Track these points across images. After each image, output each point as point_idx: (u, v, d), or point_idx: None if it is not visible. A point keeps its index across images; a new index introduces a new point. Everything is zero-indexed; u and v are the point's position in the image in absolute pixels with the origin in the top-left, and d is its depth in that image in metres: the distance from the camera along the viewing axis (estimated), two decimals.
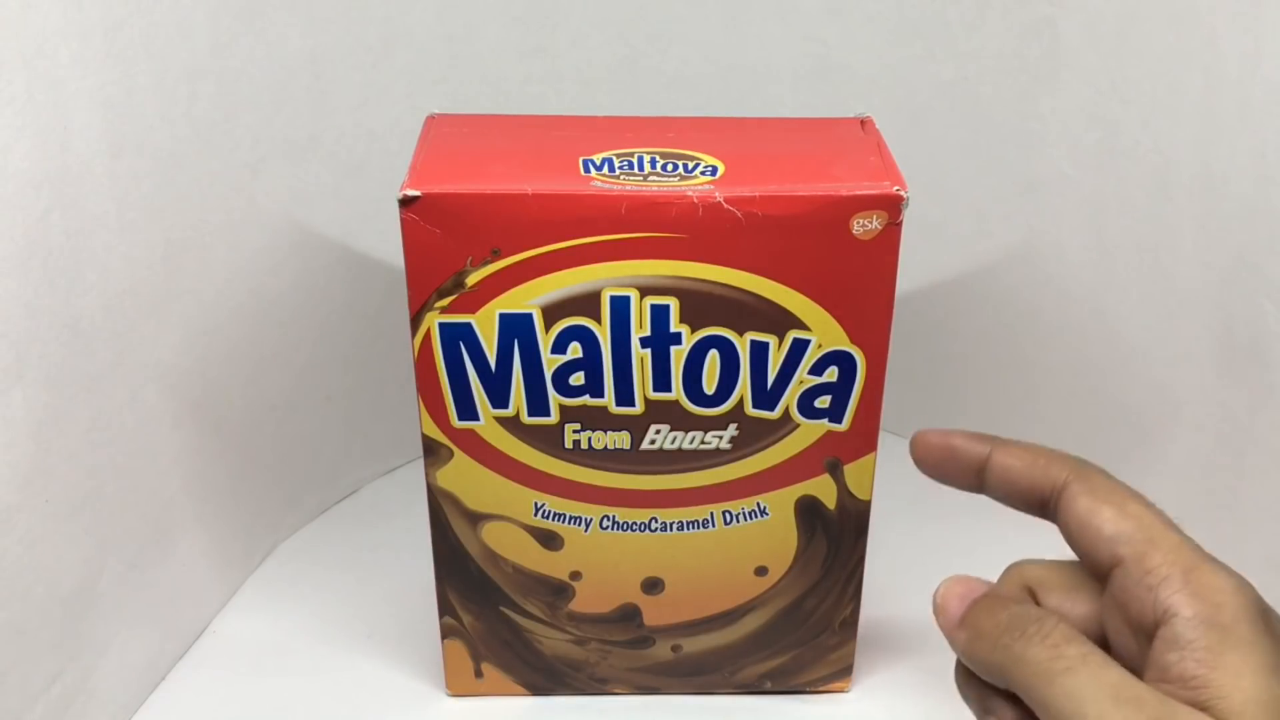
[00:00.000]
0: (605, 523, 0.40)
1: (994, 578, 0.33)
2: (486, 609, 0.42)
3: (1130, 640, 0.29)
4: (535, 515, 0.40)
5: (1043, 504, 0.32)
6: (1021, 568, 0.33)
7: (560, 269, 0.36)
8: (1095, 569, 0.31)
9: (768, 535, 0.41)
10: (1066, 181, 0.49)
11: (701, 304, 0.36)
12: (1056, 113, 0.49)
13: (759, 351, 0.37)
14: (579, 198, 0.35)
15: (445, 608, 0.43)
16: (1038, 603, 0.32)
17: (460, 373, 0.37)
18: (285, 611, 0.49)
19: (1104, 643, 0.30)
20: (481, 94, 0.51)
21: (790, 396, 0.38)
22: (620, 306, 0.36)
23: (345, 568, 0.51)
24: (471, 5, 0.51)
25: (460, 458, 0.39)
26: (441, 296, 0.36)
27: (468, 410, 0.38)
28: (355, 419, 0.54)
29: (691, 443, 0.39)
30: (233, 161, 0.44)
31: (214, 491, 0.47)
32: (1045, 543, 0.56)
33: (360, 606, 0.49)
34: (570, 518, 0.40)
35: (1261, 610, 0.28)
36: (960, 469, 0.34)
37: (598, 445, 0.39)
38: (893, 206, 0.35)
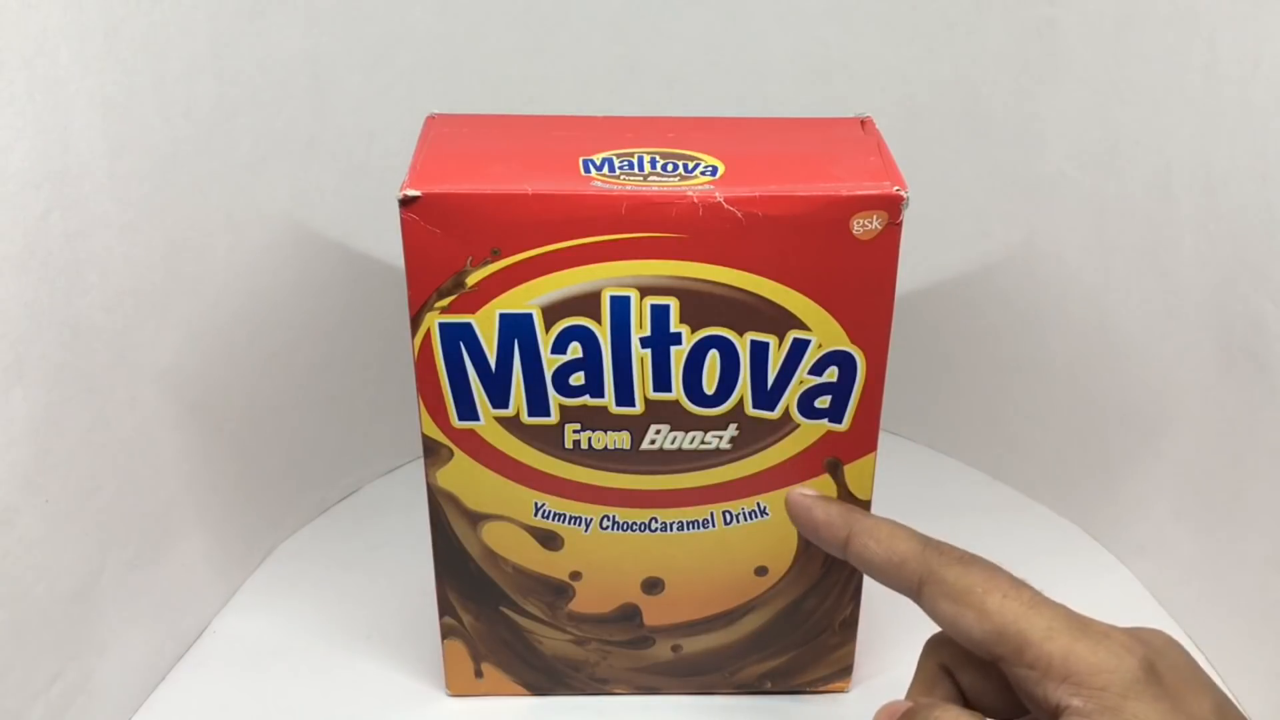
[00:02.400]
0: (605, 523, 0.40)
1: None
2: (486, 609, 0.42)
3: (1044, 718, 0.30)
4: (535, 515, 0.40)
5: (906, 594, 0.33)
6: (936, 647, 0.34)
7: (560, 269, 0.36)
8: (985, 659, 0.31)
9: (768, 535, 0.41)
10: (1066, 181, 0.49)
11: (701, 304, 0.36)
12: (1056, 113, 0.49)
13: (759, 351, 0.37)
14: (579, 198, 0.35)
15: (445, 608, 0.43)
16: (955, 681, 0.33)
17: (460, 373, 0.37)
18: (285, 611, 0.49)
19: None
20: (481, 94, 0.51)
21: (790, 396, 0.38)
22: (620, 306, 0.36)
23: (345, 568, 0.51)
24: (471, 5, 0.51)
25: (460, 458, 0.39)
26: (441, 296, 0.36)
27: (468, 410, 0.38)
28: (355, 419, 0.54)
29: (691, 443, 0.39)
30: (233, 161, 0.44)
31: (214, 491, 0.47)
32: (1047, 542, 0.57)
33: (360, 606, 0.49)
34: (570, 518, 0.40)
35: (1150, 675, 0.28)
36: (824, 544, 0.36)
37: (598, 445, 0.39)
38: (893, 206, 0.35)
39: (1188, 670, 0.29)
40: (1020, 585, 0.31)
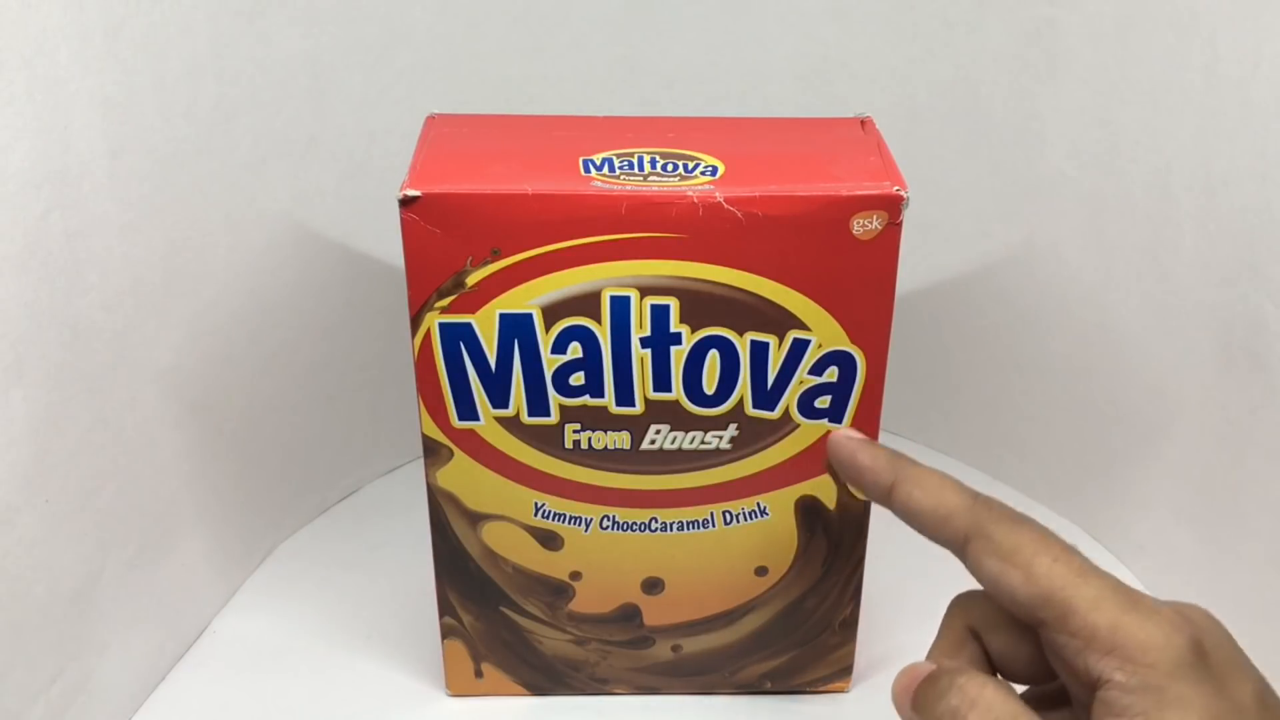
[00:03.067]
0: (605, 523, 0.40)
1: None
2: (486, 609, 0.42)
3: (1077, 687, 0.29)
4: (535, 515, 0.40)
5: (950, 549, 0.32)
6: (964, 607, 0.32)
7: (560, 269, 0.36)
8: (1024, 623, 0.30)
9: (768, 535, 0.41)
10: (1066, 181, 0.49)
11: (701, 304, 0.36)
12: (1056, 113, 0.49)
13: (759, 351, 0.37)
14: (579, 198, 0.35)
15: (445, 608, 0.43)
16: (983, 644, 0.32)
17: (460, 373, 0.37)
18: (285, 611, 0.49)
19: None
20: (481, 94, 0.51)
21: (790, 396, 0.38)
22: (620, 306, 0.36)
23: (345, 568, 0.51)
24: (471, 5, 0.51)
25: (460, 458, 0.39)
26: (441, 296, 0.36)
27: (468, 410, 0.38)
28: (355, 419, 0.54)
29: (691, 443, 0.39)
30: (233, 161, 0.44)
31: (214, 491, 0.47)
32: None
33: (360, 606, 0.49)
34: (570, 518, 0.40)
35: (1197, 656, 0.27)
36: (866, 490, 0.34)
37: (598, 445, 0.39)
38: (893, 206, 0.35)
39: (1231, 651, 0.28)
40: (1071, 551, 0.29)
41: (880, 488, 0.33)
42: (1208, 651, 0.28)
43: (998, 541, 0.30)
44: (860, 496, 0.35)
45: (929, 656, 0.33)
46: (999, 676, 0.32)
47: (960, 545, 0.31)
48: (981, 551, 0.30)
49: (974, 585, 0.31)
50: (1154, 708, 0.27)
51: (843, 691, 0.45)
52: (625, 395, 0.38)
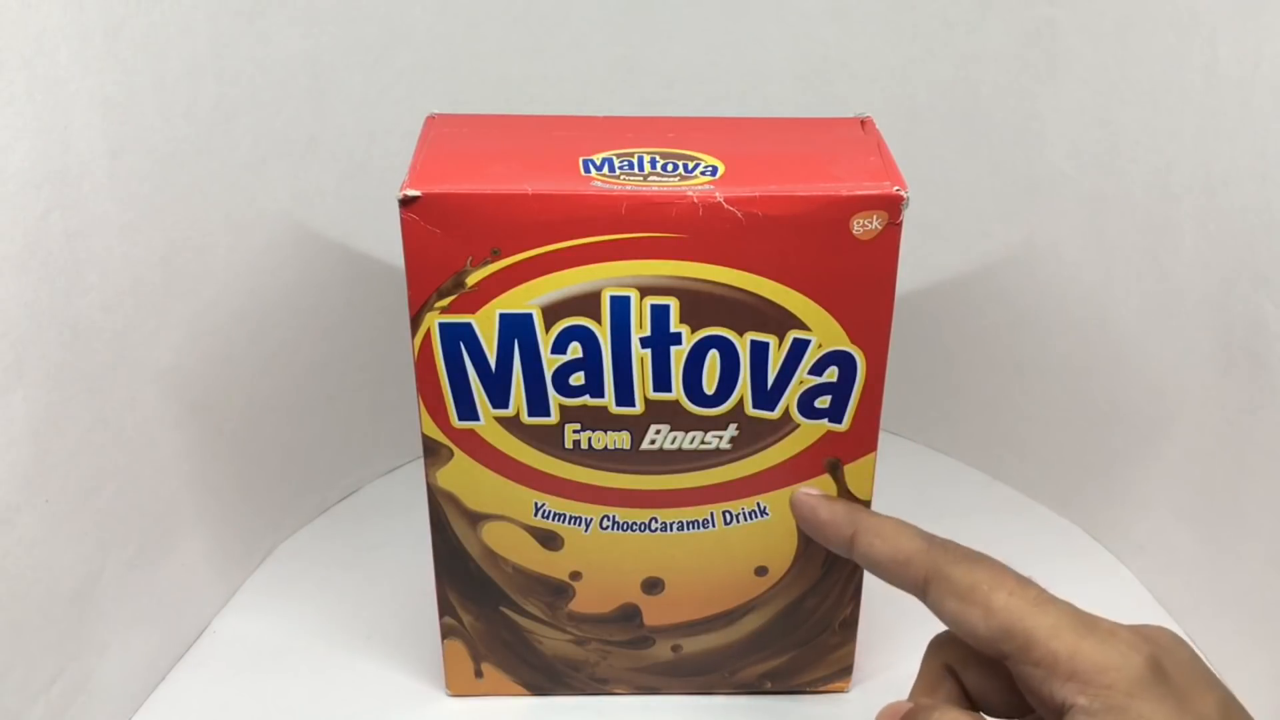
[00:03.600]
0: (605, 523, 0.40)
1: None
2: (486, 609, 0.42)
3: (1049, 716, 0.30)
4: (535, 515, 0.40)
5: (912, 593, 0.33)
6: (940, 647, 0.34)
7: (560, 269, 0.36)
8: (991, 658, 0.31)
9: (768, 535, 0.41)
10: (1066, 181, 0.49)
11: (701, 304, 0.36)
12: (1056, 113, 0.49)
13: (759, 351, 0.37)
14: (579, 198, 0.35)
15: (445, 608, 0.43)
16: (960, 680, 0.33)
17: (460, 373, 0.37)
18: (285, 611, 0.49)
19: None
20: (481, 94, 0.51)
21: (790, 396, 0.38)
22: (620, 306, 0.36)
23: (345, 568, 0.51)
24: (471, 5, 0.51)
25: (460, 458, 0.39)
26: (441, 296, 0.36)
27: (468, 410, 0.38)
28: (355, 419, 0.54)
29: (691, 443, 0.39)
30: (233, 161, 0.44)
31: (214, 491, 0.47)
32: (1049, 541, 0.57)
33: (360, 606, 0.49)
34: (570, 518, 0.40)
35: (1156, 673, 0.28)
36: (829, 543, 0.36)
37: (598, 445, 0.39)
38: (893, 206, 0.35)
39: (1193, 668, 0.29)
40: (1026, 583, 0.31)
41: (842, 539, 0.35)
42: (1167, 669, 0.28)
43: (955, 581, 0.31)
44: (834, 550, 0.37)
45: (910, 696, 0.34)
46: (980, 713, 0.33)
47: (921, 588, 0.32)
48: (941, 593, 0.31)
49: None
50: None
51: (843, 691, 0.45)
52: (625, 395, 0.38)
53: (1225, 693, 0.29)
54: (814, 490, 0.38)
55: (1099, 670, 0.28)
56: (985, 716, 0.31)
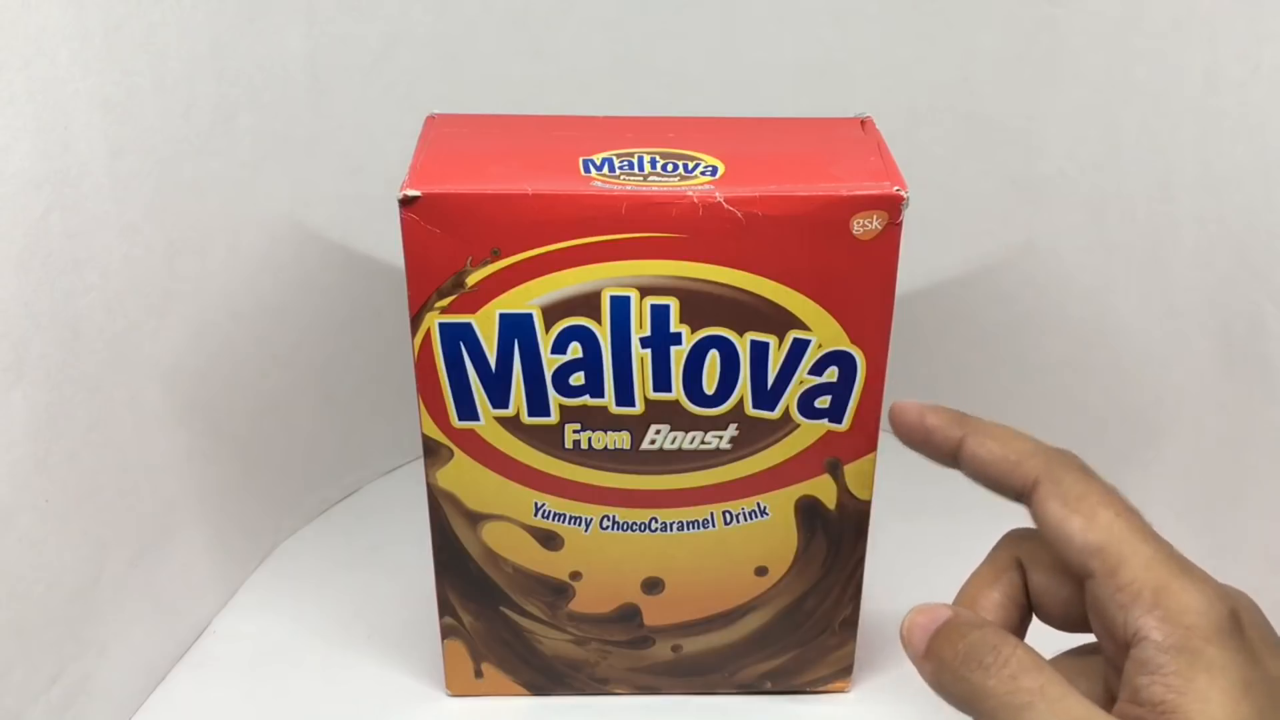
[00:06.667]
0: (605, 523, 0.40)
1: None
2: (486, 609, 0.42)
3: (1110, 644, 0.29)
4: (535, 515, 0.40)
5: (1017, 497, 0.32)
6: (1015, 540, 0.33)
7: (560, 269, 0.36)
8: (1072, 571, 0.30)
9: (768, 535, 0.41)
10: (1066, 181, 0.49)
11: (701, 304, 0.36)
12: (1056, 113, 0.49)
13: (759, 351, 0.37)
14: (579, 198, 0.35)
15: (445, 608, 0.43)
16: (1025, 578, 0.32)
17: (460, 373, 0.37)
18: (285, 611, 0.49)
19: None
20: (481, 94, 0.51)
21: (790, 396, 0.38)
22: (620, 306, 0.36)
23: (345, 568, 0.51)
24: (471, 5, 0.51)
25: (460, 458, 0.39)
26: (441, 296, 0.36)
27: (468, 410, 0.38)
28: (355, 419, 0.54)
29: (691, 443, 0.39)
30: (233, 161, 0.44)
31: (214, 491, 0.47)
32: None
33: (360, 606, 0.49)
34: (570, 518, 0.40)
35: (1235, 626, 0.28)
36: (934, 450, 0.34)
37: (598, 445, 0.39)
38: (893, 206, 0.35)
39: (1268, 632, 0.29)
40: (1133, 510, 0.30)
41: (950, 443, 0.33)
42: (1245, 626, 0.28)
43: (1066, 487, 0.30)
44: (932, 461, 0.35)
45: (968, 582, 0.33)
46: (1031, 614, 0.32)
47: (1028, 488, 0.31)
48: (1048, 495, 0.30)
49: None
50: (1187, 668, 0.27)
51: (843, 691, 0.45)
52: (625, 395, 0.38)
53: None
54: (913, 400, 0.35)
55: (1183, 610, 0.27)
56: (1058, 676, 0.30)
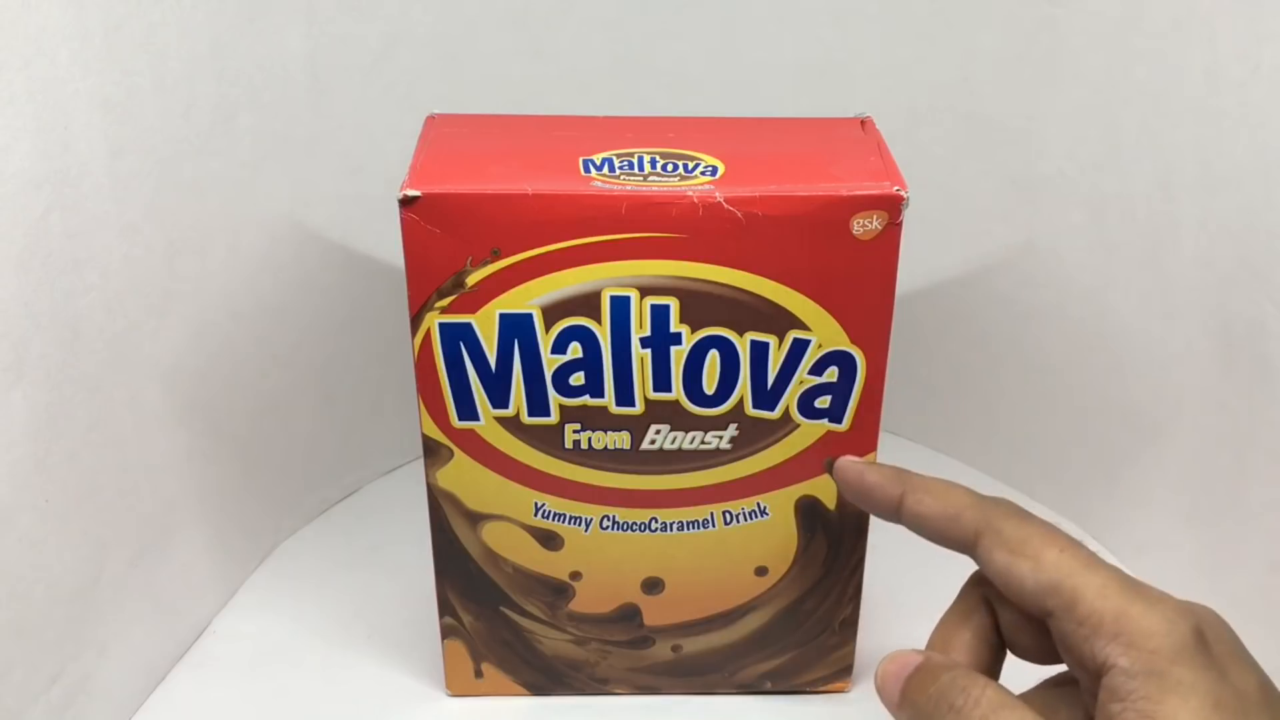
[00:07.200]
0: (605, 523, 0.40)
1: None
2: (486, 609, 0.42)
3: (1083, 674, 0.30)
4: (535, 515, 0.40)
5: (960, 549, 0.33)
6: (981, 580, 0.33)
7: (560, 269, 0.36)
8: (1031, 614, 0.31)
9: (768, 535, 0.41)
10: (1066, 181, 0.49)
11: (701, 304, 0.36)
12: (1056, 113, 0.49)
13: (759, 351, 0.37)
14: (579, 198, 0.35)
15: (445, 608, 0.43)
16: (995, 617, 0.33)
17: (460, 373, 0.37)
18: (285, 611, 0.49)
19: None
20: (481, 94, 0.51)
21: (790, 396, 0.38)
22: (620, 306, 0.36)
23: (345, 568, 0.51)
24: (471, 5, 0.51)
25: (460, 458, 0.39)
26: (441, 296, 0.36)
27: (468, 410, 0.38)
28: (355, 419, 0.54)
29: (691, 443, 0.39)
30: (233, 161, 0.44)
31: (214, 491, 0.47)
32: None
33: (360, 606, 0.49)
34: (570, 518, 0.40)
35: (1199, 643, 0.28)
36: (875, 507, 0.36)
37: (598, 445, 0.39)
38: (893, 206, 0.35)
39: (1234, 645, 0.29)
40: (1077, 543, 0.30)
41: (890, 501, 0.35)
42: (1210, 641, 0.28)
43: (1007, 535, 0.31)
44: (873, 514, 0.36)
45: (939, 624, 0.33)
46: (1005, 649, 0.33)
47: (970, 542, 0.32)
48: (992, 545, 0.31)
49: None
50: (1156, 691, 0.27)
51: (843, 691, 0.45)
52: (625, 395, 0.38)
53: (1264, 674, 0.29)
54: (855, 458, 0.38)
55: (1144, 634, 0.28)
56: (1023, 707, 0.30)
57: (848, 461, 0.38)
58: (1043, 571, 0.30)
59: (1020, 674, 0.32)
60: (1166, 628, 0.28)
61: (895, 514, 0.35)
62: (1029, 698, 0.31)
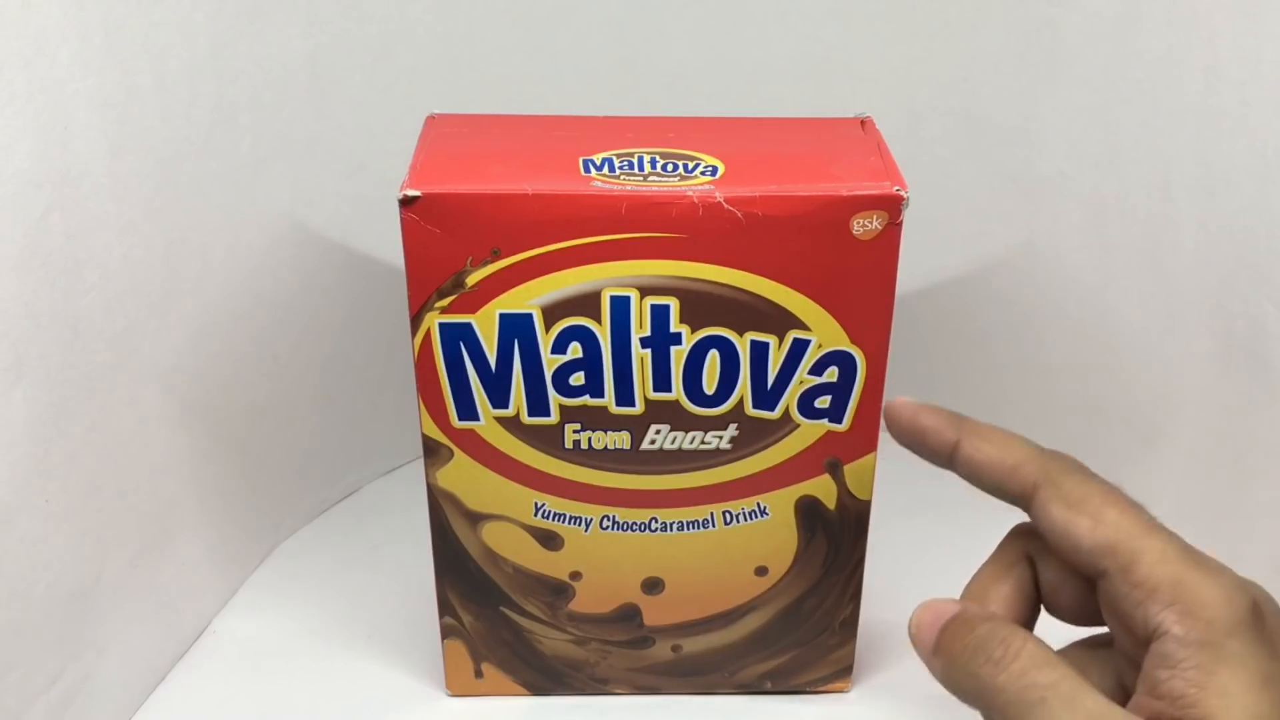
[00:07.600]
0: (605, 523, 0.40)
1: None
2: (486, 609, 0.42)
3: (1127, 639, 0.29)
4: (535, 515, 0.40)
5: (1015, 501, 0.31)
6: (1023, 535, 0.32)
7: (560, 269, 0.36)
8: (1082, 572, 0.30)
9: (768, 535, 0.41)
10: (1066, 181, 0.49)
11: (701, 304, 0.36)
12: (1056, 113, 0.49)
13: (759, 351, 0.37)
14: (579, 198, 0.35)
15: (445, 608, 0.43)
16: (1035, 572, 0.32)
17: (460, 373, 0.37)
18: (285, 611, 0.49)
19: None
20: (481, 94, 0.51)
21: (790, 396, 0.38)
22: (620, 306, 0.36)
23: (345, 568, 0.51)
24: (471, 5, 0.51)
25: (460, 458, 0.39)
26: (441, 296, 0.36)
27: (468, 410, 0.38)
28: (355, 419, 0.54)
29: (691, 443, 0.39)
30: (233, 161, 0.44)
31: (214, 491, 0.47)
32: None
33: (360, 606, 0.49)
34: (570, 518, 0.40)
35: (1256, 618, 0.27)
36: (928, 451, 0.34)
37: (598, 445, 0.39)
38: (893, 206, 0.35)
39: None
40: (1138, 506, 0.29)
41: (945, 445, 0.33)
42: (1266, 617, 0.28)
43: (1067, 490, 0.30)
44: (927, 459, 0.34)
45: (976, 576, 0.32)
46: (1040, 607, 0.32)
47: (1027, 494, 0.31)
48: (1050, 499, 0.30)
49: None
50: (1209, 662, 0.27)
51: (843, 691, 0.45)
52: (625, 395, 0.38)
53: None
54: (909, 399, 0.35)
55: (1201, 604, 0.27)
56: (1064, 665, 0.29)
57: (901, 401, 0.34)
58: (1102, 530, 0.29)
59: (1050, 631, 0.31)
60: (1225, 599, 0.27)
61: (949, 460, 0.33)
62: (1061, 656, 0.31)
